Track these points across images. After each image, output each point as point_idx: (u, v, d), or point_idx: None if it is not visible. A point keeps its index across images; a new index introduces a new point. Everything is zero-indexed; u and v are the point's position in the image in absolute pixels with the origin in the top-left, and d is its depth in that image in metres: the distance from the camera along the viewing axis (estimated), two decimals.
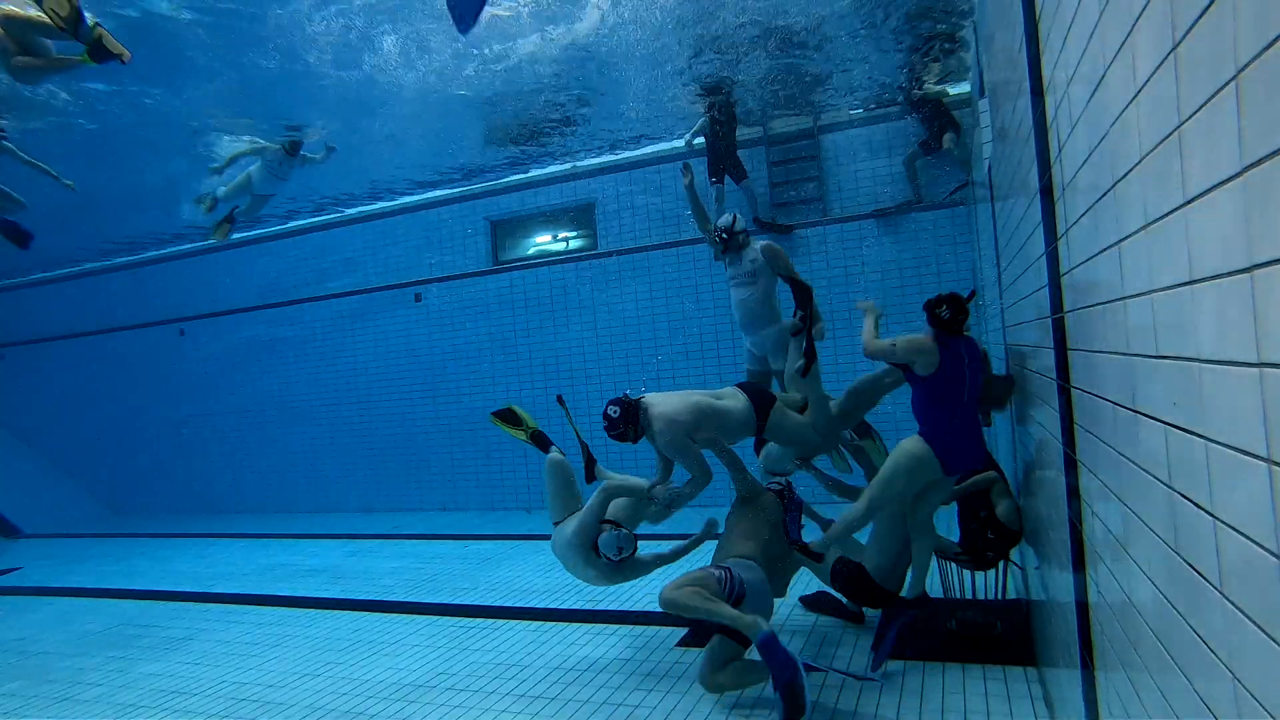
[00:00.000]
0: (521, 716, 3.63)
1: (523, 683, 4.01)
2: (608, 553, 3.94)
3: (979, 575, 4.15)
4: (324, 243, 10.61)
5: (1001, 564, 4.11)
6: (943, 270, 7.66)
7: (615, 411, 4.06)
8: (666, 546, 4.33)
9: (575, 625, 4.85)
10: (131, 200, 9.50)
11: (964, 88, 7.37)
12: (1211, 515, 0.97)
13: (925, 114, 7.33)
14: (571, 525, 4.09)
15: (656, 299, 8.75)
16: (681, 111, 7.90)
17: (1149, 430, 1.26)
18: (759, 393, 4.36)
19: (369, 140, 8.07)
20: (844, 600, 4.36)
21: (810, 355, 4.31)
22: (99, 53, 4.64)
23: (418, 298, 10.00)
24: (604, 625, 4.80)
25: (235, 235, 11.05)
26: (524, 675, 4.12)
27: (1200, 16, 0.89)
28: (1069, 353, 2.10)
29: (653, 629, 4.60)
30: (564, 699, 3.76)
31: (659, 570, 4.32)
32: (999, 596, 4.24)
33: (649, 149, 8.78)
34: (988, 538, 3.82)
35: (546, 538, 7.33)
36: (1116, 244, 1.40)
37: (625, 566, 4.04)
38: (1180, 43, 0.97)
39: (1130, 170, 1.26)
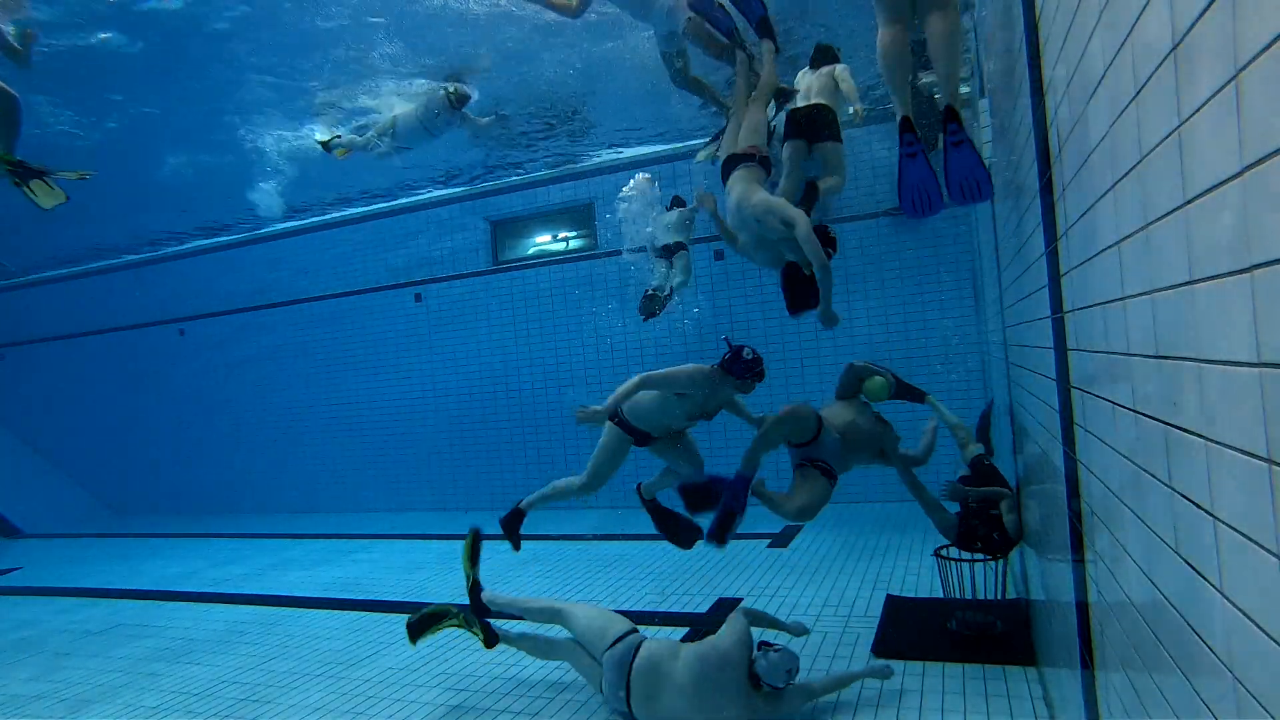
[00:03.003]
0: (521, 716, 3.63)
1: (522, 683, 4.01)
2: (774, 680, 3.16)
3: (979, 575, 4.15)
4: (324, 242, 10.61)
5: (1001, 564, 4.12)
6: (943, 270, 7.66)
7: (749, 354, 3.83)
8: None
9: None
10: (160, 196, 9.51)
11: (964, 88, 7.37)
12: (1211, 515, 0.97)
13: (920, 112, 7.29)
14: (687, 652, 3.33)
15: None
16: (676, 114, 7.91)
17: (1149, 430, 1.26)
18: None
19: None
20: None
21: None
22: (23, 173, 4.18)
23: (418, 298, 10.00)
24: None
25: (229, 236, 11.10)
26: (524, 675, 4.12)
27: (1200, 16, 0.89)
28: (1069, 353, 2.10)
29: (653, 628, 4.60)
30: (563, 700, 3.77)
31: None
32: (999, 596, 4.24)
33: (649, 149, 8.78)
34: (993, 538, 3.84)
35: (550, 538, 7.36)
36: (1116, 244, 1.40)
37: (784, 696, 3.31)
38: (1180, 42, 0.97)
39: (1130, 170, 1.26)
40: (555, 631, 3.87)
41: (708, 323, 8.45)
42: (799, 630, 3.79)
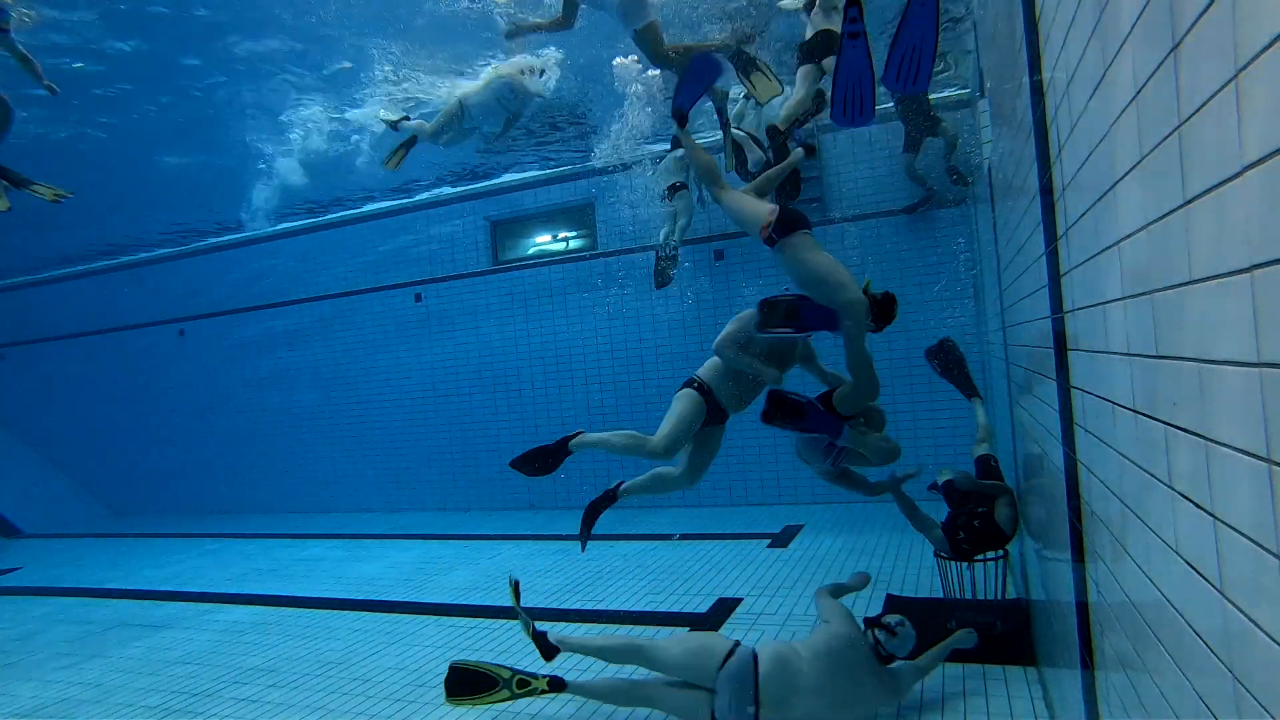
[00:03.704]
0: (521, 716, 3.63)
1: None
2: (900, 649, 3.17)
3: (979, 575, 4.16)
4: (324, 242, 10.61)
5: (1001, 564, 4.12)
6: (942, 270, 7.66)
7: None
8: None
9: (575, 625, 4.85)
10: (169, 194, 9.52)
11: (964, 89, 7.37)
12: (1211, 515, 0.97)
13: (907, 112, 7.12)
14: (807, 648, 3.18)
15: (656, 299, 8.75)
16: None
17: (1149, 430, 1.26)
18: None
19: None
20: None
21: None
22: None
23: (418, 298, 10.00)
24: (604, 625, 4.80)
25: (229, 236, 11.10)
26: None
27: (1200, 16, 0.89)
28: (1069, 353, 2.10)
29: (652, 629, 4.60)
30: (563, 699, 3.76)
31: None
32: (999, 596, 4.24)
33: (650, 149, 8.77)
34: (973, 526, 3.89)
35: (550, 538, 7.37)
36: (1116, 244, 1.40)
37: (901, 673, 3.26)
38: (1180, 42, 0.97)
39: (1130, 170, 1.26)
40: (631, 673, 3.52)
41: (708, 323, 8.45)
42: (864, 582, 3.79)
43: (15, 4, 5.19)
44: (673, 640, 3.35)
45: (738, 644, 3.23)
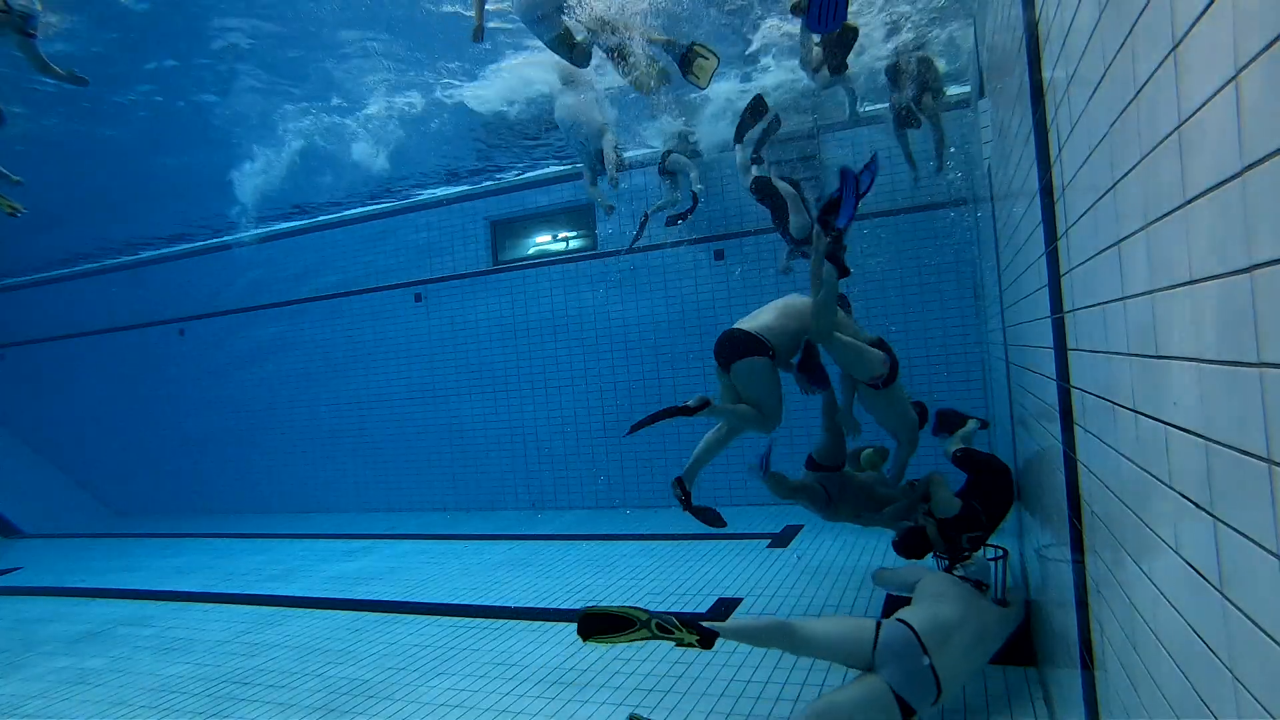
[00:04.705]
0: (521, 717, 3.63)
1: (522, 683, 4.01)
2: (984, 574, 3.52)
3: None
4: (324, 242, 10.61)
5: (1001, 564, 4.12)
6: (943, 269, 7.66)
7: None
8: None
9: (574, 625, 4.85)
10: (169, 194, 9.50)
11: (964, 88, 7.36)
12: (1211, 515, 0.97)
13: (893, 76, 6.97)
14: (934, 596, 3.27)
15: (656, 299, 8.75)
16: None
17: (1149, 430, 1.26)
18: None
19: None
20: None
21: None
22: None
23: (418, 298, 10.00)
24: None
25: (229, 236, 11.10)
26: (524, 675, 4.12)
27: (1200, 16, 0.89)
28: (1069, 353, 2.10)
29: None
30: (563, 699, 3.77)
31: None
32: (999, 596, 4.24)
33: (649, 150, 8.78)
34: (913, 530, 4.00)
35: (549, 538, 7.36)
36: (1116, 244, 1.40)
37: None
38: (1180, 42, 0.97)
39: (1130, 170, 1.26)
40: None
41: (708, 323, 8.45)
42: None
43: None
44: (821, 620, 3.27)
45: (880, 622, 3.13)
